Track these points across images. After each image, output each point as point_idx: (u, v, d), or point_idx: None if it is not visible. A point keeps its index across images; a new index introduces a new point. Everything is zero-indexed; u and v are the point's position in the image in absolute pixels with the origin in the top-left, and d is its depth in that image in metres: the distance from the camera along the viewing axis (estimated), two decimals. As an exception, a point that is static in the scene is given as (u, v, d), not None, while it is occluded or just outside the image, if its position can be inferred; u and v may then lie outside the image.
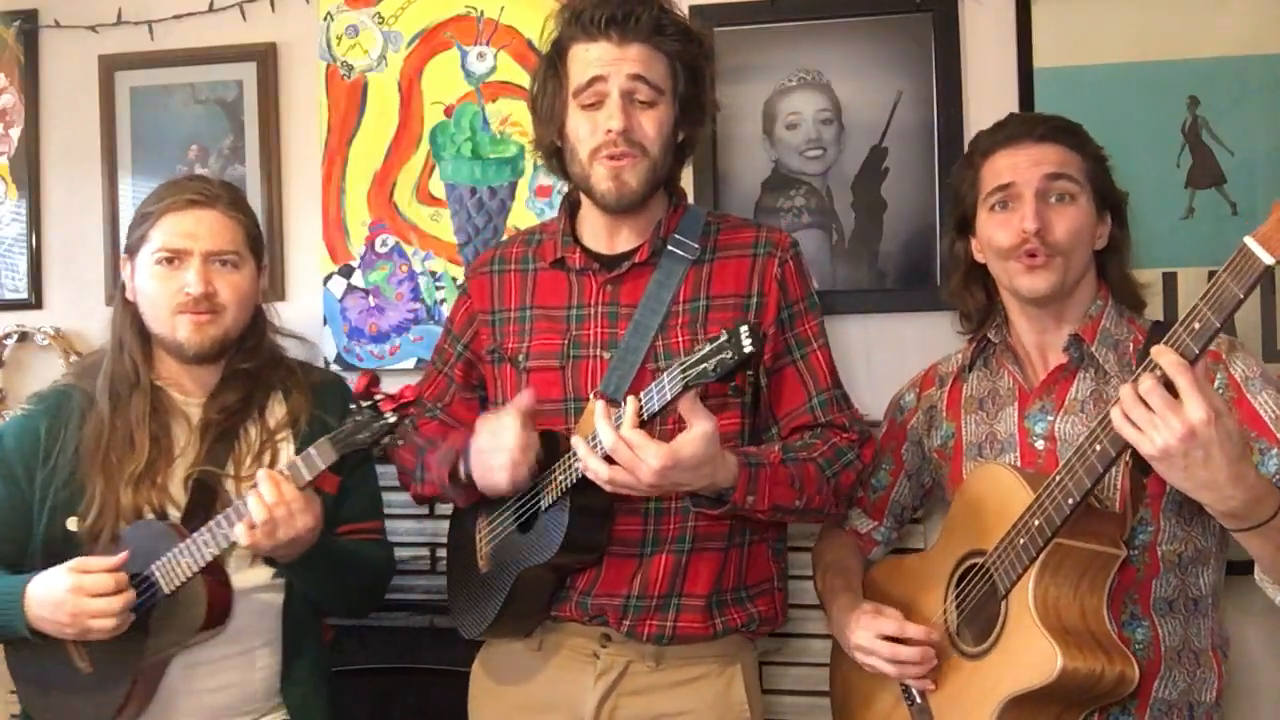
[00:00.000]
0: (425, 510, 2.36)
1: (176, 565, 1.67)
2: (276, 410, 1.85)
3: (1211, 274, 2.14)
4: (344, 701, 2.29)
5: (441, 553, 2.37)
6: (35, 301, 2.67)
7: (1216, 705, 1.65)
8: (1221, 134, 2.20)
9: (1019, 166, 1.68)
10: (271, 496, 1.61)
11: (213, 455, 1.79)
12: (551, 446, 1.64)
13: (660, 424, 1.59)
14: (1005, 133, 1.73)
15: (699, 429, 1.48)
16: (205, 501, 1.74)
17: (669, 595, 1.68)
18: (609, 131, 1.65)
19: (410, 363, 2.48)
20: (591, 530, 1.64)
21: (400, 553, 2.33)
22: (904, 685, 1.68)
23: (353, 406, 1.66)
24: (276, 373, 1.88)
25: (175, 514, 1.75)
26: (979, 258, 1.78)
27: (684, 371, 1.46)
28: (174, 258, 1.76)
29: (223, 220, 1.79)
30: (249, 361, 1.84)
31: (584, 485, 1.59)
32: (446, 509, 2.34)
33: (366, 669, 2.35)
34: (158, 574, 1.68)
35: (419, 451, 1.82)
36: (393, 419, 1.63)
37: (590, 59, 1.67)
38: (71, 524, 1.75)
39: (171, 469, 1.78)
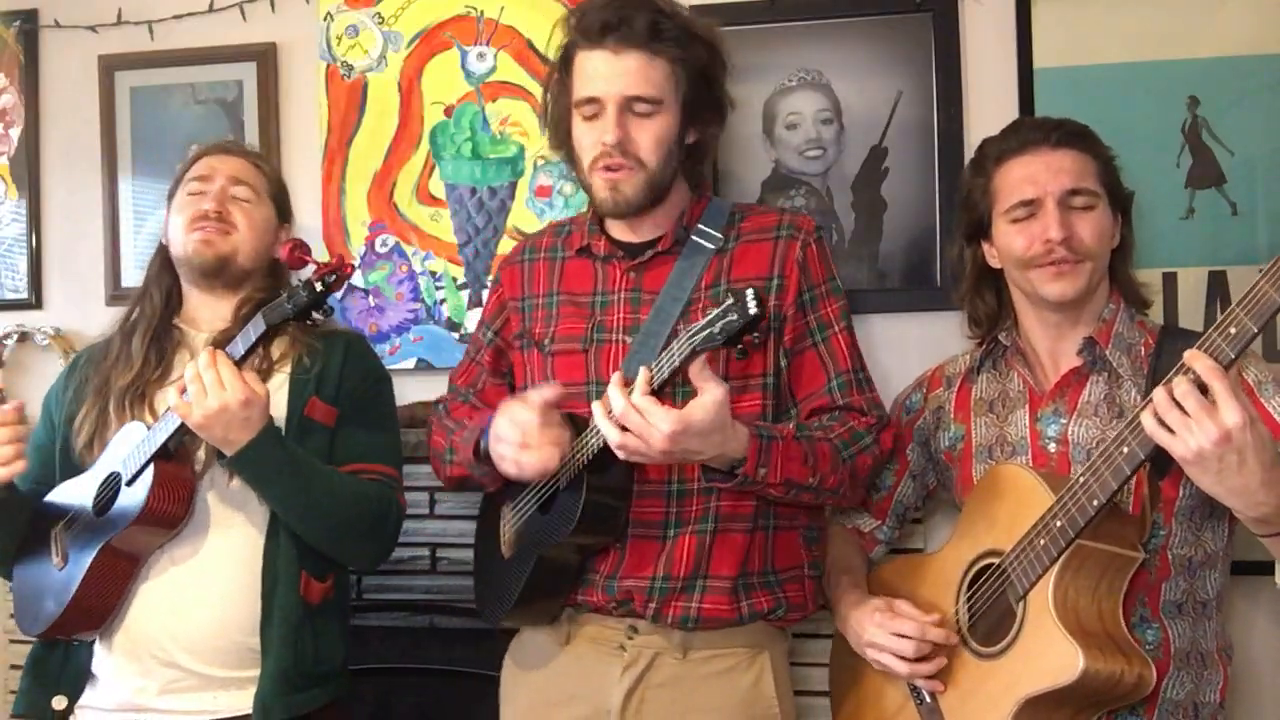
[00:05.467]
0: (425, 510, 2.36)
1: (137, 455, 1.73)
2: (280, 346, 1.87)
3: (1212, 274, 2.20)
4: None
5: (442, 553, 2.37)
6: (35, 301, 2.67)
7: (1221, 706, 1.65)
8: (1221, 134, 2.20)
9: (1038, 178, 1.67)
10: (203, 361, 1.66)
11: None
12: (574, 428, 1.66)
13: (676, 398, 1.58)
14: (1018, 138, 1.72)
15: (709, 395, 1.49)
16: None
17: (694, 577, 1.68)
18: (604, 144, 1.69)
19: (410, 363, 2.48)
20: (608, 507, 1.65)
21: (400, 553, 2.32)
22: (912, 685, 1.68)
23: (295, 284, 1.71)
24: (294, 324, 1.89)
25: None
26: (994, 264, 1.78)
27: (690, 337, 1.47)
28: (199, 189, 1.91)
29: (245, 163, 1.98)
30: (263, 293, 1.89)
31: (599, 463, 1.60)
32: (447, 509, 2.35)
33: (366, 669, 2.34)
34: (123, 467, 1.74)
35: (449, 433, 1.85)
36: (319, 287, 1.65)
37: (589, 72, 1.70)
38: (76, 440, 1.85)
39: (164, 391, 1.83)
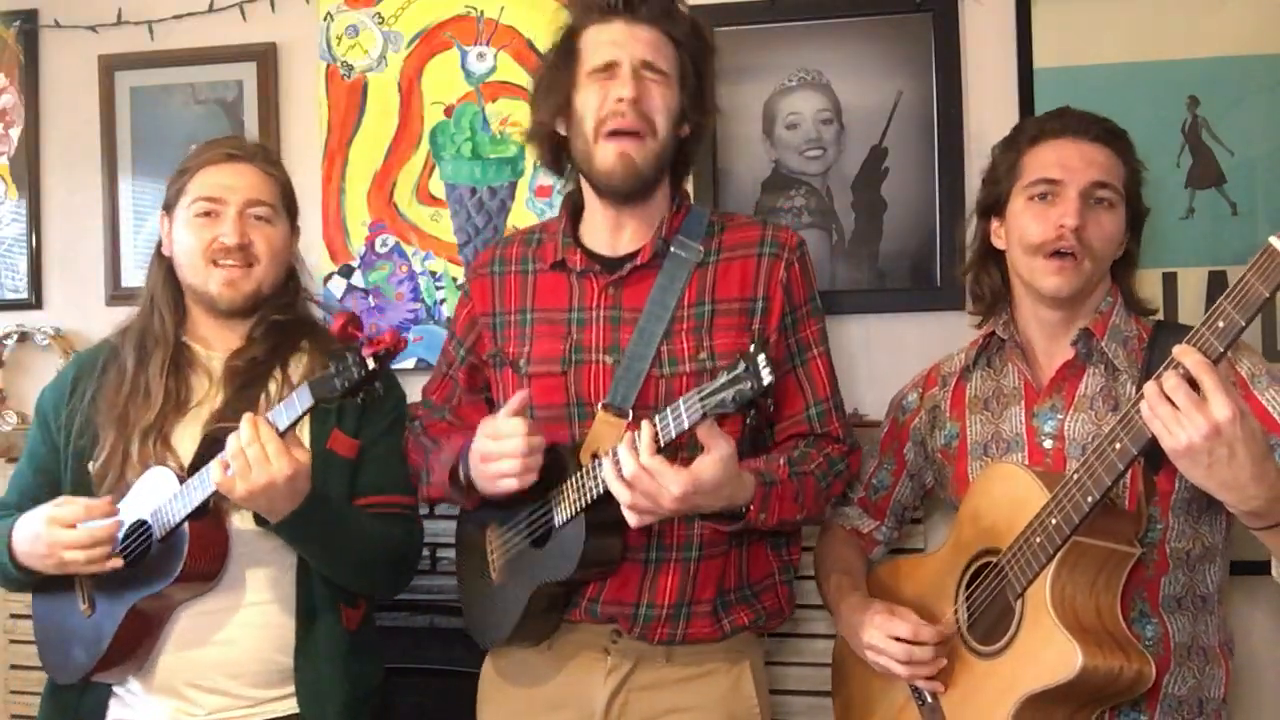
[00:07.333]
0: (425, 510, 2.35)
1: (170, 510, 1.68)
2: (299, 367, 1.83)
3: (1212, 274, 2.20)
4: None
5: (442, 553, 2.37)
6: (35, 301, 2.67)
7: (1224, 702, 1.65)
8: (1221, 134, 2.20)
9: (1069, 163, 1.66)
10: (246, 436, 1.59)
11: (234, 406, 1.76)
12: (553, 459, 1.63)
13: (677, 448, 1.57)
14: (1060, 122, 1.71)
15: (717, 453, 1.48)
16: (212, 455, 1.70)
17: (679, 605, 1.68)
18: (619, 100, 1.66)
19: (410, 363, 2.48)
20: (608, 546, 1.63)
21: (400, 553, 2.33)
22: (914, 685, 1.68)
23: (338, 351, 1.63)
24: (307, 333, 1.87)
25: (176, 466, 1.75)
26: (998, 244, 1.77)
27: (702, 400, 1.45)
28: (211, 210, 1.79)
29: (258, 174, 1.84)
30: (280, 315, 1.85)
31: (599, 502, 1.58)
32: (447, 509, 2.34)
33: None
34: (153, 520, 1.69)
35: (426, 453, 1.82)
36: (372, 365, 1.58)
37: (604, 39, 1.70)
38: (91, 468, 1.78)
39: (183, 419, 1.78)
